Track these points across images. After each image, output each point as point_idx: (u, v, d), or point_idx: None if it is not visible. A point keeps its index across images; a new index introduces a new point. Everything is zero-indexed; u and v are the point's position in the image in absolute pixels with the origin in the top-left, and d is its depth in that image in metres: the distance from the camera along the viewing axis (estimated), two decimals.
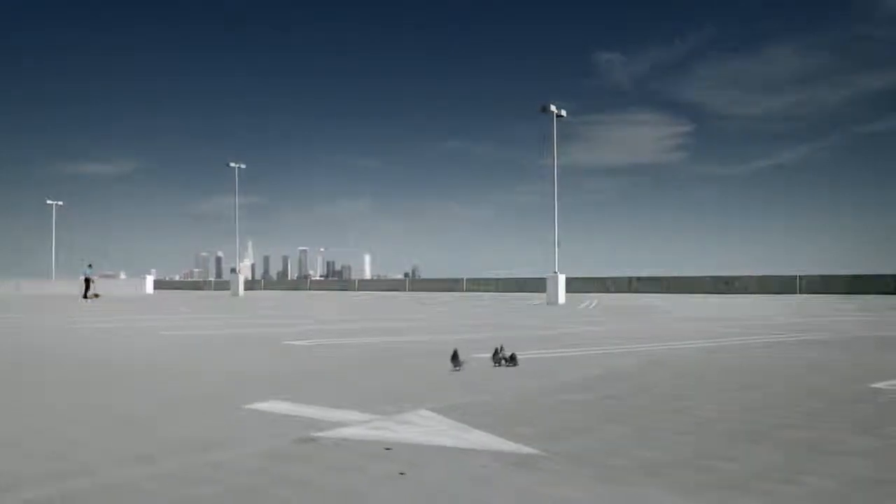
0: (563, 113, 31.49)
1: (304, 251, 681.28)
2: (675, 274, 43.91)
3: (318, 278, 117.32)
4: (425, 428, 3.61)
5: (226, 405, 4.33)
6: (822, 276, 38.38)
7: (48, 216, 54.05)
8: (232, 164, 42.57)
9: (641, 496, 2.51)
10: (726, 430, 3.61)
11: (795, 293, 37.72)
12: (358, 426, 3.66)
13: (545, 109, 31.25)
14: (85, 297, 32.64)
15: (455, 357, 5.88)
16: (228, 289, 43.04)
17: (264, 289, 64.05)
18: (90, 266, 34.31)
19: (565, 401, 4.50)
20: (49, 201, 54.81)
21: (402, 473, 2.77)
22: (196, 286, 73.17)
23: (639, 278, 45.53)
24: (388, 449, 3.17)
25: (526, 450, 3.15)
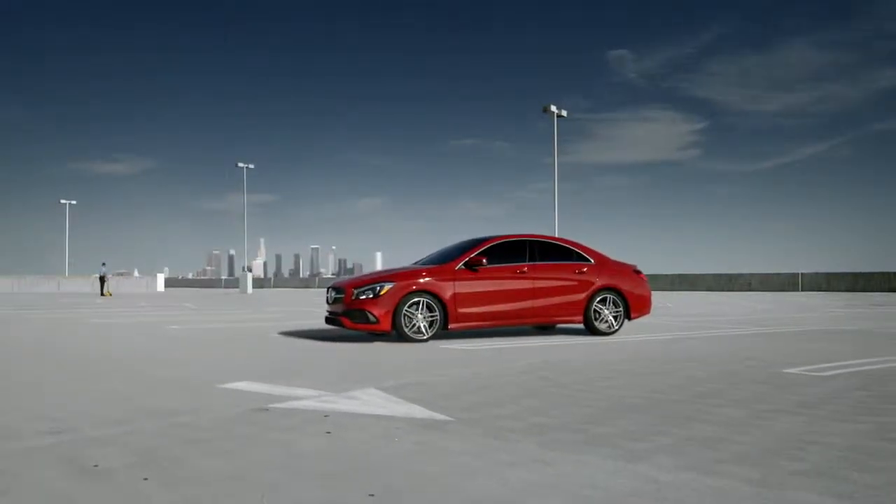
0: (564, 113, 32.11)
1: (316, 249, 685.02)
2: (681, 271, 44.34)
3: (329, 276, 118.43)
4: (364, 401, 4.25)
5: (203, 385, 4.98)
6: (825, 274, 38.66)
7: (62, 215, 55.31)
8: (240, 164, 43.52)
9: (512, 448, 3.13)
10: (623, 405, 4.21)
11: (798, 290, 38.06)
12: (308, 399, 4.30)
13: (546, 109, 31.92)
14: (102, 294, 33.76)
15: None
16: (238, 286, 43.91)
17: (274, 287, 65.01)
18: (104, 264, 35.45)
19: (500, 382, 5.12)
20: (63, 200, 56.06)
21: (328, 433, 3.41)
22: (208, 284, 74.28)
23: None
24: (325, 416, 3.82)
25: (439, 417, 3.79)
